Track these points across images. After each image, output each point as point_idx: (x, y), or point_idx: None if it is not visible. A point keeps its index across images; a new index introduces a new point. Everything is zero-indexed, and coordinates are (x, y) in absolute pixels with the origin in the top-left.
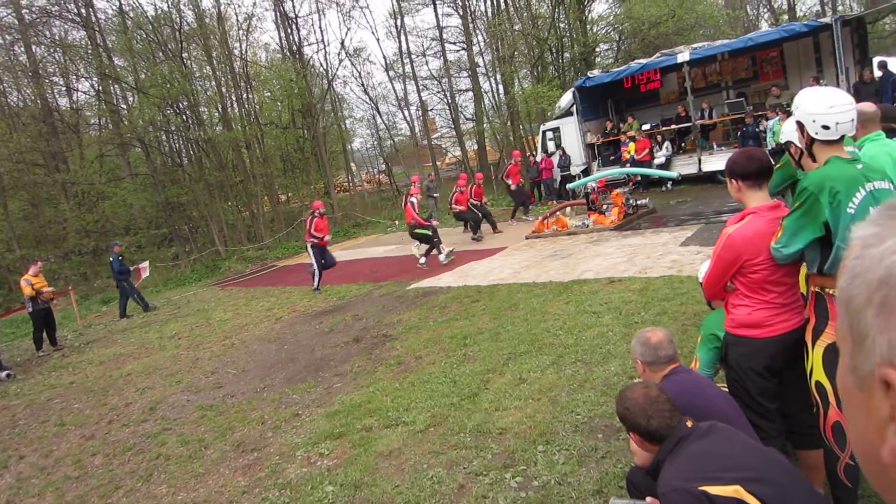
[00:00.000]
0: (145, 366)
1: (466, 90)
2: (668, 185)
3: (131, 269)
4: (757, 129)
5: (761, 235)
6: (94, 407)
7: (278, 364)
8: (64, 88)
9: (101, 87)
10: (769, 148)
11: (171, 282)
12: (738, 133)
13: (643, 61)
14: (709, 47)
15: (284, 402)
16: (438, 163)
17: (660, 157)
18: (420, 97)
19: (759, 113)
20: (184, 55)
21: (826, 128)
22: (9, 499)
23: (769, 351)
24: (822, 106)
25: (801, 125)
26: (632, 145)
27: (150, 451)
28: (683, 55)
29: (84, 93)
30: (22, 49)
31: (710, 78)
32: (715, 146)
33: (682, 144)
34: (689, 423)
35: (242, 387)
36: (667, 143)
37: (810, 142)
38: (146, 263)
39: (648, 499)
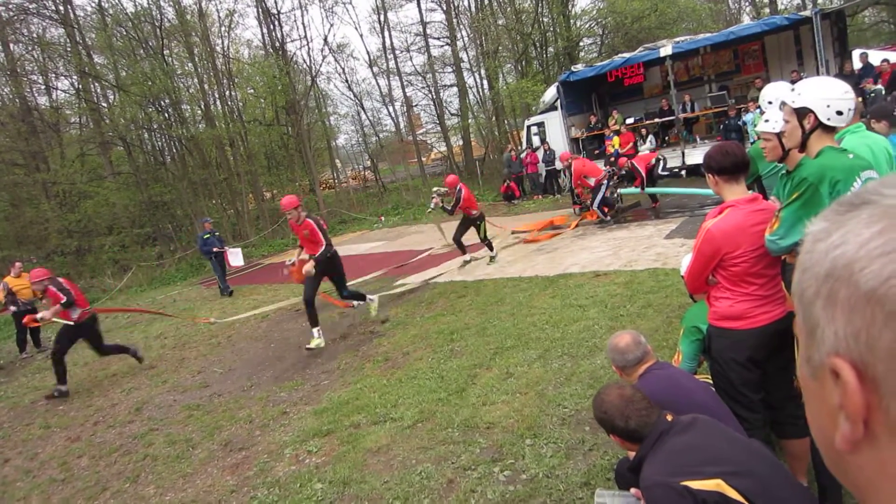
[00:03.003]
0: (130, 366)
1: (451, 86)
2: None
3: (214, 250)
4: (739, 122)
5: (740, 229)
6: (80, 408)
7: (265, 362)
8: (43, 87)
9: (80, 86)
10: (751, 140)
11: (155, 281)
12: (721, 126)
13: (626, 55)
14: (691, 41)
15: (272, 400)
16: (424, 158)
17: (643, 151)
18: (404, 93)
19: (742, 106)
20: (165, 52)
21: (840, 113)
22: None
23: (751, 342)
24: (839, 91)
25: (803, 113)
26: (616, 139)
27: (137, 452)
28: (666, 49)
29: (64, 91)
30: None
31: (692, 71)
32: (698, 139)
33: (666, 138)
34: (669, 418)
35: (229, 385)
36: (650, 137)
37: (811, 130)
38: (238, 250)
39: (633, 490)
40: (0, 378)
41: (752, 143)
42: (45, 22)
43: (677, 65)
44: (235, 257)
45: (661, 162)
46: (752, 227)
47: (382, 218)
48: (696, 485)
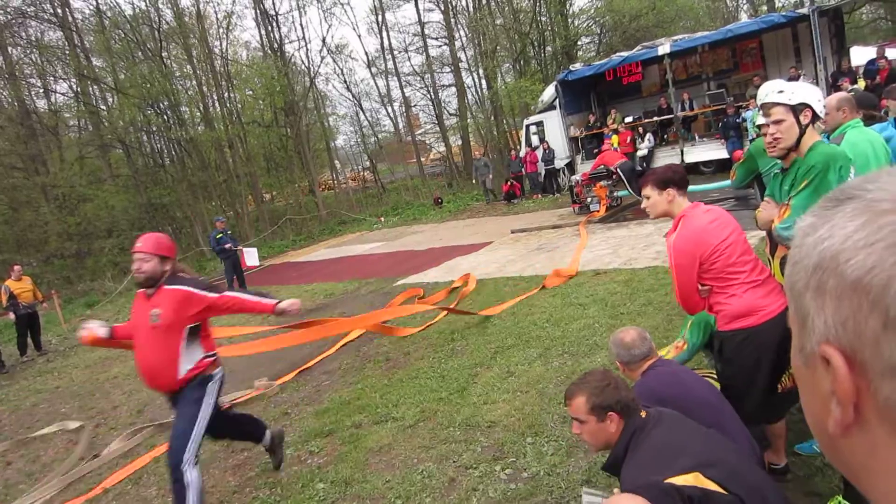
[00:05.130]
0: (132, 368)
1: (449, 86)
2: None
3: (226, 247)
4: (738, 120)
5: (701, 229)
6: (81, 411)
7: (266, 363)
8: (41, 90)
9: (79, 88)
10: (750, 138)
11: None
12: (720, 124)
13: (624, 54)
14: (689, 39)
15: (273, 401)
16: (423, 159)
17: (642, 150)
18: (403, 93)
19: (740, 104)
20: (163, 54)
21: (823, 107)
22: None
23: (771, 333)
24: (818, 89)
25: (800, 109)
26: (615, 138)
27: (139, 454)
28: (664, 47)
29: (62, 94)
30: None
31: (690, 70)
32: (697, 137)
33: (665, 136)
34: (643, 414)
35: (229, 387)
36: (649, 136)
37: (807, 125)
38: (254, 250)
39: (616, 490)
40: (2, 381)
41: (751, 141)
42: (43, 25)
43: (675, 63)
44: (251, 257)
45: (624, 170)
46: (710, 224)
47: (382, 219)
48: (678, 480)
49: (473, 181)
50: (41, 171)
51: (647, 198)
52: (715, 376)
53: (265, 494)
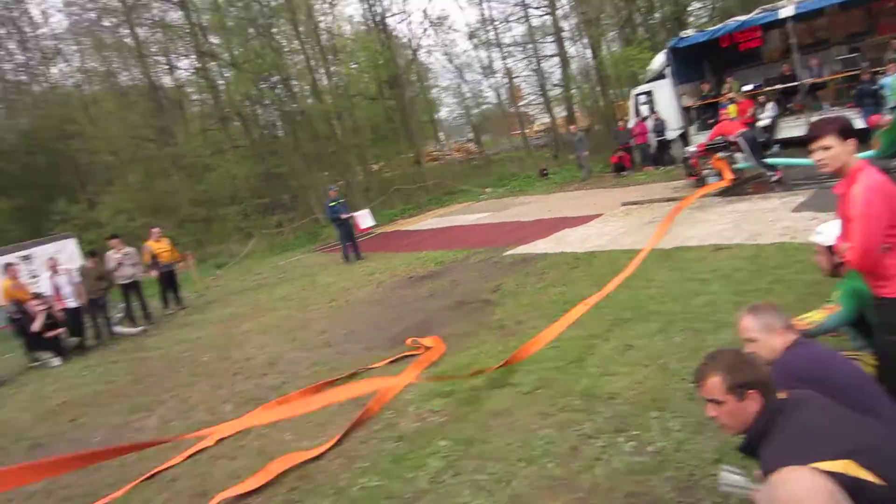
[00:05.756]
0: (261, 325)
1: (552, 56)
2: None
3: (342, 216)
4: (874, 88)
5: (887, 180)
6: (220, 360)
7: (384, 325)
8: (167, 67)
9: (199, 64)
10: (889, 106)
11: (276, 247)
12: (854, 92)
13: (741, 18)
14: (816, 0)
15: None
16: (527, 130)
17: (765, 119)
18: (505, 64)
19: (877, 69)
20: (273, 30)
21: None
22: (153, 438)
23: None
24: None
25: None
26: (731, 107)
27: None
28: (787, 10)
29: (184, 70)
30: (127, 30)
31: (817, 33)
32: (826, 106)
33: (789, 105)
34: (783, 395)
35: (351, 346)
36: (771, 104)
37: None
38: (366, 212)
39: (756, 474)
40: (152, 331)
41: (892, 109)
42: (165, 6)
43: (800, 27)
44: (365, 219)
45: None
46: (887, 180)
47: (488, 189)
48: (825, 467)
49: (571, 156)
50: (170, 143)
51: (827, 148)
52: (865, 359)
53: (391, 446)
